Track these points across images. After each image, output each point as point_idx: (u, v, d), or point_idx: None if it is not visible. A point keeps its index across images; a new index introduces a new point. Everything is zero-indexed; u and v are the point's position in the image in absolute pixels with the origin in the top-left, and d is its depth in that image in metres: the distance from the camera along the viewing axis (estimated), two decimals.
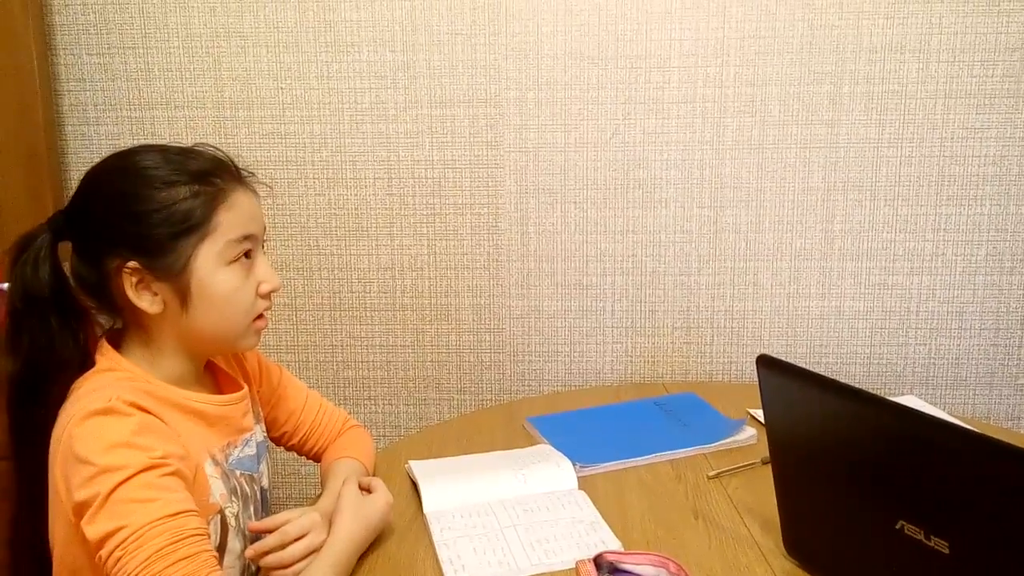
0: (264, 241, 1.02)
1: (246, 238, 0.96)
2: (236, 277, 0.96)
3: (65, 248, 0.96)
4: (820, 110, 1.55)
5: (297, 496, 1.71)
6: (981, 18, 1.50)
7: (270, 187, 1.08)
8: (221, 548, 0.95)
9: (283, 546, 0.92)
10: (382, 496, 1.02)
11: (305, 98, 1.57)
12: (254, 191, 1.00)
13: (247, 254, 0.97)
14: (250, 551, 0.94)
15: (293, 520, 0.94)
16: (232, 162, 1.00)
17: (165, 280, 0.93)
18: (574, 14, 1.53)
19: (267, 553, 0.92)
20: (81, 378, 0.94)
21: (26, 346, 0.94)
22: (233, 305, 0.96)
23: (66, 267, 0.96)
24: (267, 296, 0.99)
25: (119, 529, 0.81)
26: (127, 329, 0.98)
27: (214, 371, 1.07)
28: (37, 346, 0.94)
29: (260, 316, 1.00)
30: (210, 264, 0.94)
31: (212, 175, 0.95)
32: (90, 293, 0.95)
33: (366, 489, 1.04)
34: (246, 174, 1.00)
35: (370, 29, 1.54)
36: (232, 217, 0.95)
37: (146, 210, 0.92)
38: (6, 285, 0.98)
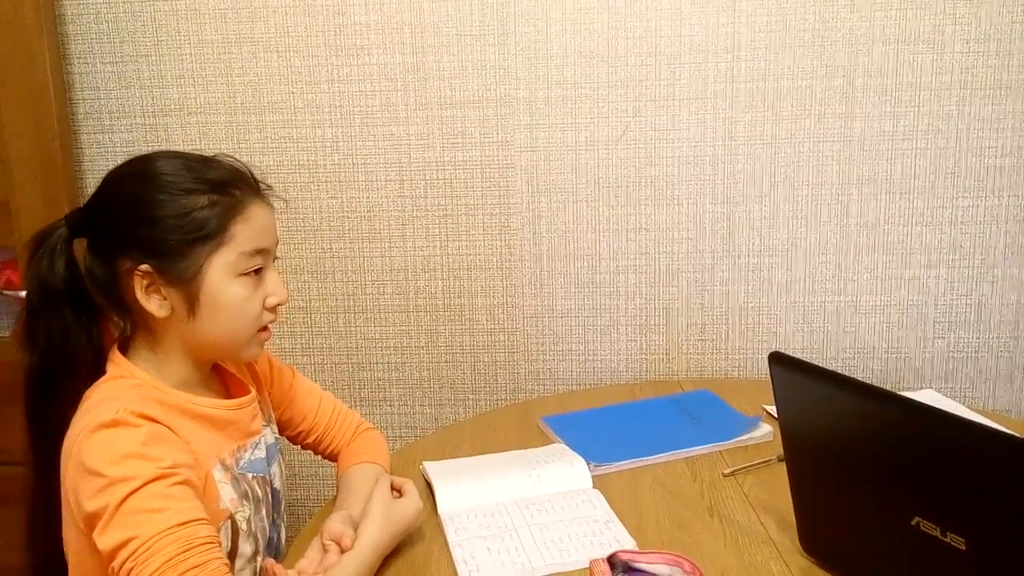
0: (275, 257, 1.02)
1: (259, 252, 0.97)
2: (245, 289, 0.96)
3: (80, 244, 0.98)
4: (833, 104, 1.53)
5: (315, 498, 1.72)
6: (996, 7, 1.48)
7: (286, 200, 1.09)
8: (232, 553, 0.96)
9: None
10: (412, 502, 1.02)
11: (316, 102, 1.58)
12: (270, 204, 1.01)
13: (257, 269, 0.98)
14: None
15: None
16: (251, 174, 1.00)
17: (175, 286, 0.94)
18: (583, 12, 1.52)
19: None
20: (92, 387, 0.95)
21: (42, 339, 0.95)
22: (239, 316, 0.97)
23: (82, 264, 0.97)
24: (273, 309, 1.00)
25: (130, 540, 0.81)
26: (135, 332, 0.99)
27: (222, 375, 1.08)
28: (53, 339, 0.95)
29: (265, 327, 1.00)
30: (221, 274, 0.94)
31: (230, 186, 0.96)
32: (101, 291, 0.96)
33: (397, 490, 1.04)
34: (264, 187, 1.01)
35: (379, 32, 1.55)
36: (247, 229, 0.96)
37: (162, 216, 0.93)
38: (24, 293, 1.00)
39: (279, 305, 1.00)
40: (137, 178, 0.96)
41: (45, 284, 0.95)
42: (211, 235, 0.94)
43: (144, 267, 0.93)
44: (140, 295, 0.94)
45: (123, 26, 1.56)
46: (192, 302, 0.94)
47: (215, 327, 0.96)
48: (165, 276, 0.93)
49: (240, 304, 0.96)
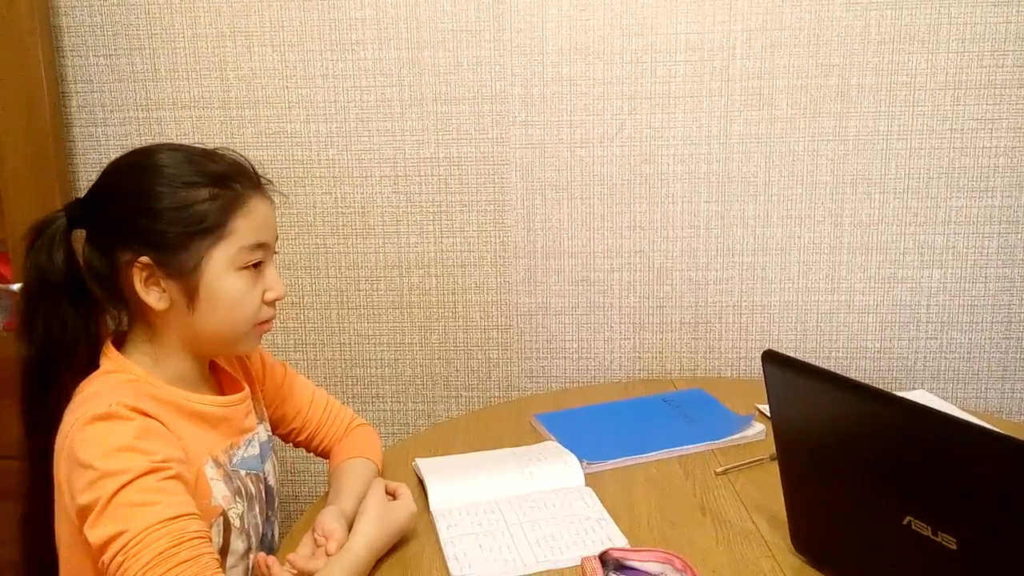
0: (275, 252, 1.02)
1: (259, 246, 0.97)
2: (244, 283, 0.96)
3: (78, 236, 0.97)
4: (828, 103, 1.53)
5: (307, 494, 1.72)
6: (990, 7, 1.48)
7: (286, 195, 1.09)
8: (224, 550, 0.96)
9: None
10: (406, 506, 1.03)
11: (311, 97, 1.57)
12: (270, 199, 1.01)
13: (257, 263, 0.97)
14: None
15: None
16: (252, 168, 1.00)
17: (174, 278, 0.94)
18: (579, 9, 1.52)
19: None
20: (85, 380, 0.94)
21: (40, 330, 0.95)
22: (238, 310, 0.97)
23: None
24: (272, 304, 1.00)
25: (121, 533, 0.81)
26: (132, 325, 0.99)
27: (216, 372, 1.08)
28: (51, 331, 0.95)
29: (263, 321, 1.00)
30: (221, 268, 0.94)
31: (232, 179, 0.96)
32: (100, 282, 0.95)
33: (391, 494, 1.04)
34: (264, 181, 1.01)
35: (374, 27, 1.54)
36: (247, 224, 0.96)
37: (163, 208, 0.93)
38: (17, 287, 0.99)
39: (277, 300, 1.00)
40: (138, 170, 0.96)
41: (44, 275, 0.95)
42: (211, 228, 0.94)
43: (144, 259, 0.93)
44: (139, 287, 0.93)
45: (117, 19, 1.56)
46: (191, 295, 0.94)
47: (214, 320, 0.96)
48: (165, 269, 0.93)
49: (239, 297, 0.96)
